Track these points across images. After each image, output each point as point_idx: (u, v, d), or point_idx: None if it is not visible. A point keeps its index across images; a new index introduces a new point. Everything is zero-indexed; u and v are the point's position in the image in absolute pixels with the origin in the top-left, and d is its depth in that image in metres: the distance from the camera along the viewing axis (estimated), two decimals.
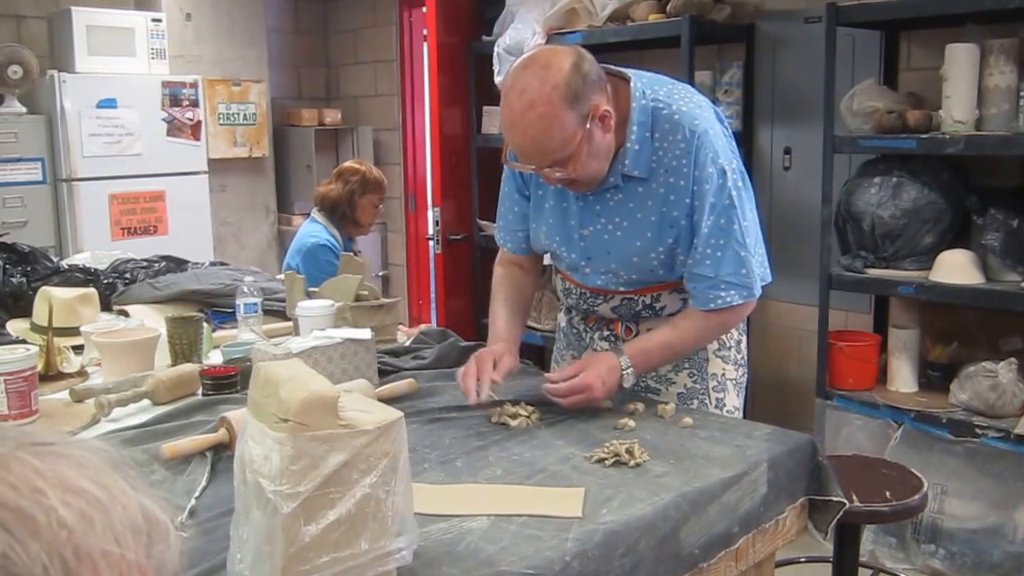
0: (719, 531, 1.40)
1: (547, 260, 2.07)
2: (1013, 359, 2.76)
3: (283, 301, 2.48)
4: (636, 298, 1.86)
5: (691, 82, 3.18)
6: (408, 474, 1.07)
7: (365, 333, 1.91)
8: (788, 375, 3.64)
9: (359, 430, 1.02)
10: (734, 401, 1.93)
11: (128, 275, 2.65)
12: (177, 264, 2.79)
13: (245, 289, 2.23)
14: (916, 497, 2.06)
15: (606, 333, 1.94)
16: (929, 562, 2.92)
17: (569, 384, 1.70)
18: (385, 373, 1.98)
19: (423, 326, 2.43)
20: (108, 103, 4.46)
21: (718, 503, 1.40)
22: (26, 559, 0.48)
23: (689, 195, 1.72)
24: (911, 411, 2.89)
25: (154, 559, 0.54)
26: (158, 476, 1.42)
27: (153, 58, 4.63)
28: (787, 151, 3.56)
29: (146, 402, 1.81)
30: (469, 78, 4.32)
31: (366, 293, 2.31)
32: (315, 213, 3.60)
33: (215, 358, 2.09)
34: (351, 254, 2.88)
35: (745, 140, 3.57)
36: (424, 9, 4.35)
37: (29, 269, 2.54)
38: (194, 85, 4.76)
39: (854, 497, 1.99)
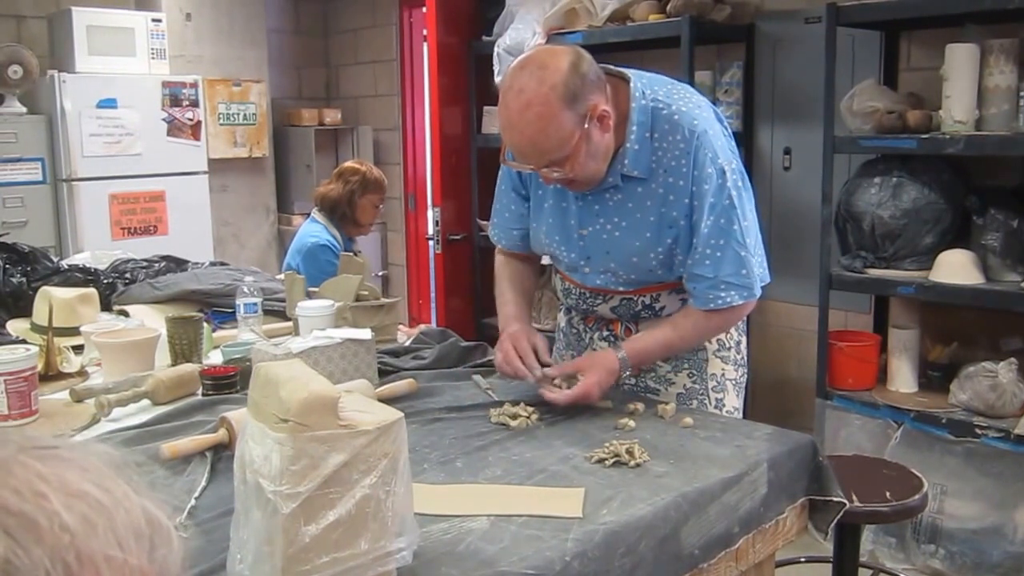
0: (719, 531, 1.40)
1: (546, 260, 2.07)
2: (1013, 359, 2.76)
3: (283, 301, 2.48)
4: (635, 298, 1.86)
5: (691, 82, 3.19)
6: (408, 474, 1.07)
7: (365, 333, 1.91)
8: (788, 375, 3.64)
9: (359, 430, 1.02)
10: (734, 401, 1.93)
11: (128, 275, 2.65)
12: (177, 264, 2.79)
13: (245, 289, 2.23)
14: (916, 497, 2.06)
15: (605, 333, 1.94)
16: (929, 562, 2.92)
17: (567, 395, 1.72)
18: (385, 373, 1.98)
19: (423, 326, 2.43)
20: (108, 103, 4.46)
21: (718, 503, 1.40)
22: (28, 564, 0.48)
23: (688, 195, 1.72)
24: (911, 411, 2.88)
25: (156, 563, 0.54)
26: (158, 476, 1.42)
27: (153, 58, 4.63)
28: (787, 151, 3.56)
29: (146, 402, 1.81)
30: (469, 78, 4.32)
31: (366, 293, 2.31)
32: (315, 213, 3.60)
33: (215, 358, 2.09)
34: (351, 254, 2.88)
35: (745, 140, 3.57)
36: (424, 9, 4.35)
37: (29, 269, 2.54)
38: (194, 85, 4.76)
39: (854, 497, 1.99)
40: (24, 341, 2.06)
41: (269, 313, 2.40)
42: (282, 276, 2.82)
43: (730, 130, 1.83)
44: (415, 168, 5.49)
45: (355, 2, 5.55)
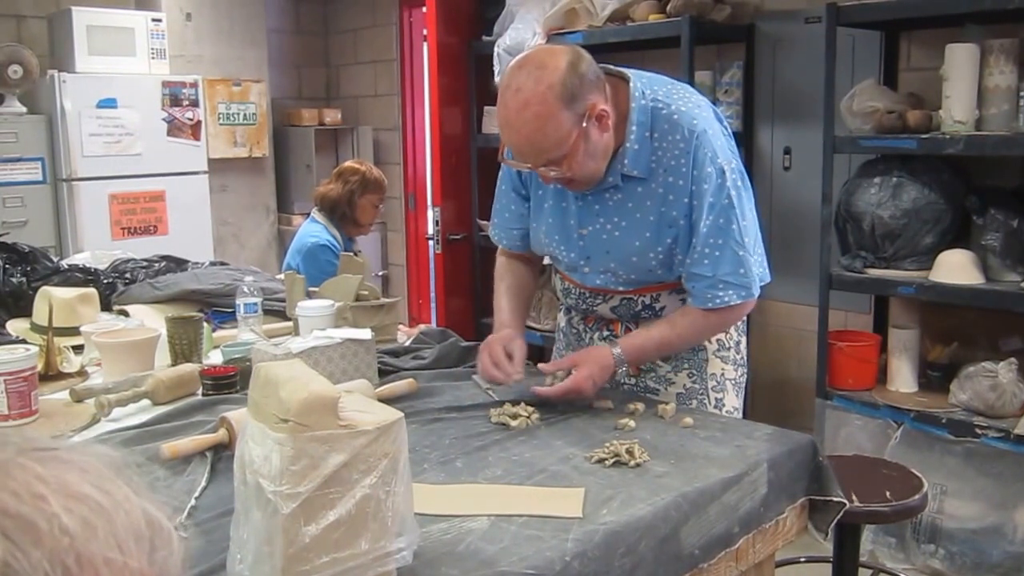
0: (719, 531, 1.40)
1: (546, 260, 2.07)
2: (1013, 359, 2.76)
3: (283, 301, 2.48)
4: (635, 298, 1.86)
5: (691, 82, 3.18)
6: (408, 474, 1.07)
7: (365, 333, 1.91)
8: (788, 375, 3.64)
9: (359, 430, 1.02)
10: (733, 401, 1.93)
11: (128, 275, 2.65)
12: (177, 264, 2.79)
13: (245, 289, 2.23)
14: (916, 497, 2.06)
15: (605, 333, 1.94)
16: (929, 562, 2.92)
17: (559, 388, 1.72)
18: (385, 373, 1.98)
19: (423, 326, 2.43)
20: (108, 103, 4.46)
21: (718, 503, 1.40)
22: (28, 567, 0.48)
23: (688, 195, 1.72)
24: (911, 411, 2.88)
25: (157, 565, 0.54)
26: (158, 476, 1.42)
27: (153, 58, 4.63)
28: (787, 151, 3.56)
29: (146, 402, 1.81)
30: (469, 78, 4.32)
31: (366, 293, 2.31)
32: (315, 213, 3.60)
33: (215, 358, 2.09)
34: (351, 254, 2.88)
35: (745, 140, 3.57)
36: (424, 9, 4.35)
37: (29, 269, 2.54)
38: (194, 85, 4.76)
39: (854, 497, 1.99)
40: (24, 341, 2.06)
41: (269, 313, 2.40)
42: (282, 276, 2.82)
43: (730, 130, 1.83)
44: (415, 168, 5.49)
45: (355, 2, 5.55)
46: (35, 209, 4.37)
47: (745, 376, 1.98)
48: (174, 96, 4.68)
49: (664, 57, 3.66)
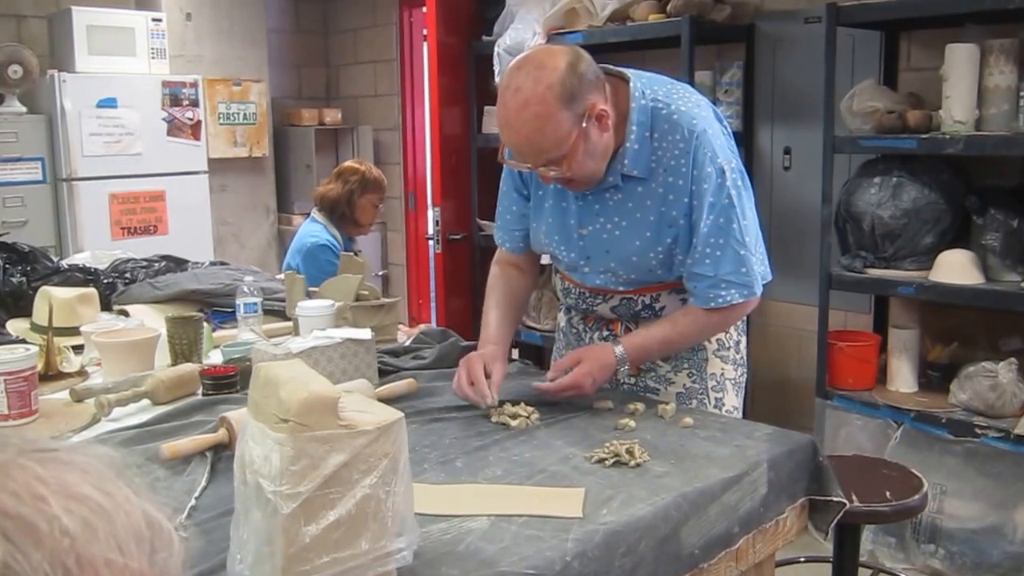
0: (719, 531, 1.40)
1: (546, 260, 2.07)
2: (1013, 359, 2.76)
3: (283, 301, 2.48)
4: (635, 298, 1.86)
5: (691, 82, 3.18)
6: (408, 474, 1.07)
7: (365, 333, 1.91)
8: (788, 375, 3.64)
9: (359, 430, 1.02)
10: (733, 401, 1.93)
11: (128, 275, 2.65)
12: (177, 264, 2.79)
13: (245, 289, 2.23)
14: (916, 497, 2.06)
15: (605, 333, 1.94)
16: (929, 562, 2.92)
17: (558, 384, 1.73)
18: (385, 373, 1.98)
19: (423, 326, 2.43)
20: (108, 103, 4.46)
21: (718, 503, 1.40)
22: (28, 568, 0.48)
23: (688, 195, 1.72)
24: (911, 411, 2.88)
25: (157, 567, 0.54)
26: (158, 476, 1.42)
27: (153, 58, 4.63)
28: (787, 151, 3.56)
29: (146, 402, 1.81)
30: (469, 78, 4.32)
31: (366, 293, 2.31)
32: (315, 213, 3.60)
33: (215, 358, 2.09)
34: (351, 254, 2.88)
35: (745, 140, 3.57)
36: (424, 9, 4.35)
37: (29, 269, 2.54)
38: (194, 85, 4.76)
39: (854, 497, 1.98)
40: (24, 341, 2.06)
41: (269, 313, 2.40)
42: (282, 276, 2.82)
43: (730, 130, 1.83)
44: (415, 168, 5.49)
45: (355, 2, 5.55)
46: (35, 209, 4.37)
47: (745, 376, 1.98)
48: (174, 96, 4.68)
49: (664, 57, 3.66)
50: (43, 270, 2.55)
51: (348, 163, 3.71)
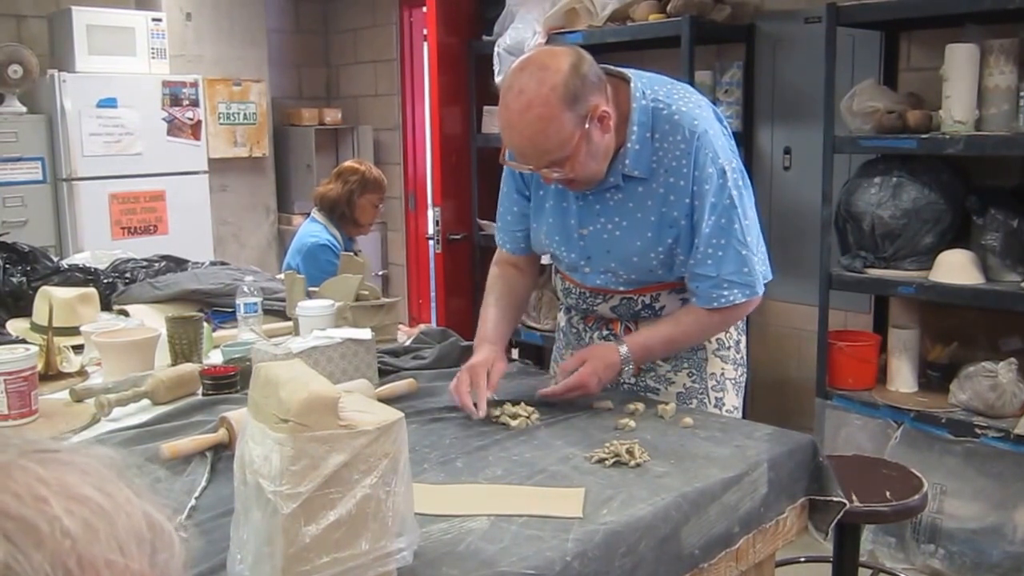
0: (719, 531, 1.40)
1: (546, 260, 2.07)
2: (1013, 359, 2.76)
3: (283, 301, 2.48)
4: (635, 298, 1.87)
5: (691, 82, 3.18)
6: (408, 474, 1.07)
7: (365, 333, 1.91)
8: (788, 375, 3.64)
9: (359, 430, 1.02)
10: (733, 401, 1.94)
11: (128, 275, 2.65)
12: (177, 264, 2.79)
13: (245, 289, 2.23)
14: (916, 497, 2.06)
15: (605, 333, 1.94)
16: (929, 562, 2.92)
17: (564, 385, 1.73)
18: (385, 373, 1.98)
19: (423, 326, 2.43)
20: (108, 103, 4.46)
21: (718, 503, 1.40)
22: (29, 569, 0.48)
23: (689, 195, 1.72)
24: (911, 411, 2.89)
25: (158, 568, 0.54)
26: (158, 476, 1.42)
27: (153, 58, 4.63)
28: (787, 151, 3.56)
29: (146, 402, 1.81)
30: (469, 78, 4.32)
31: (366, 293, 2.31)
32: (315, 213, 3.60)
33: (215, 358, 2.09)
34: (351, 254, 2.88)
35: (745, 140, 3.57)
36: (424, 9, 4.35)
37: (29, 269, 2.54)
38: (194, 85, 4.76)
39: (854, 497, 1.98)
40: (24, 341, 2.06)
41: (269, 313, 2.40)
42: (282, 276, 2.82)
43: (730, 130, 1.83)
44: (415, 168, 5.49)
45: (355, 2, 5.55)
46: (35, 209, 4.37)
47: (745, 376, 1.99)
48: (174, 96, 4.68)
49: (664, 57, 3.66)
50: (43, 270, 2.55)
51: (348, 163, 3.71)
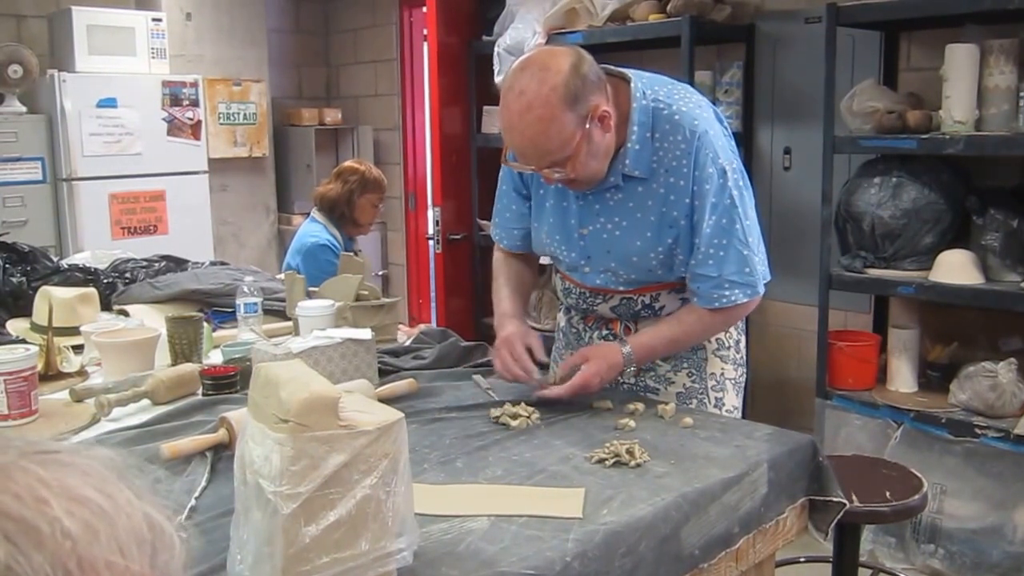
0: (719, 531, 1.40)
1: (546, 260, 2.07)
2: (1013, 359, 2.76)
3: (283, 301, 2.48)
4: (635, 298, 1.87)
5: (691, 82, 3.18)
6: (408, 475, 1.07)
7: (365, 333, 1.91)
8: (788, 375, 3.64)
9: (359, 431, 1.02)
10: (733, 401, 1.94)
11: (128, 275, 2.65)
12: (177, 264, 2.79)
13: (245, 289, 2.23)
14: (916, 497, 2.06)
15: (605, 332, 1.95)
16: (928, 562, 2.92)
17: (566, 387, 1.73)
18: (385, 373, 1.98)
19: (423, 326, 2.43)
20: (108, 103, 4.46)
21: (718, 503, 1.40)
22: (29, 570, 0.48)
23: (689, 195, 1.72)
24: (911, 411, 2.89)
25: (159, 569, 0.54)
26: (158, 476, 1.42)
27: (153, 58, 4.63)
28: (787, 151, 3.56)
29: (146, 402, 1.81)
30: (469, 78, 4.32)
31: (366, 293, 2.31)
32: (315, 213, 3.60)
33: (215, 358, 2.09)
34: (351, 254, 2.88)
35: (745, 140, 3.57)
36: (424, 9, 4.35)
37: (29, 269, 2.54)
38: (194, 85, 4.76)
39: (854, 497, 1.99)
40: (24, 341, 2.06)
41: (269, 313, 2.40)
42: (282, 276, 2.82)
43: (730, 130, 1.83)
44: (415, 168, 5.49)
45: (355, 2, 5.55)
46: (35, 209, 4.36)
47: (745, 376, 1.99)
48: (174, 96, 4.68)
49: (664, 57, 3.66)
50: (43, 270, 2.55)
51: (348, 163, 3.71)
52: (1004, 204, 2.76)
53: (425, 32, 4.73)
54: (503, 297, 1.96)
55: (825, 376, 3.11)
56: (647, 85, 1.75)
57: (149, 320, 2.28)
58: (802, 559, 2.78)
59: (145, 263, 2.75)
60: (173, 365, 1.99)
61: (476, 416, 1.72)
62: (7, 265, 2.51)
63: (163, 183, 4.67)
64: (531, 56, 1.66)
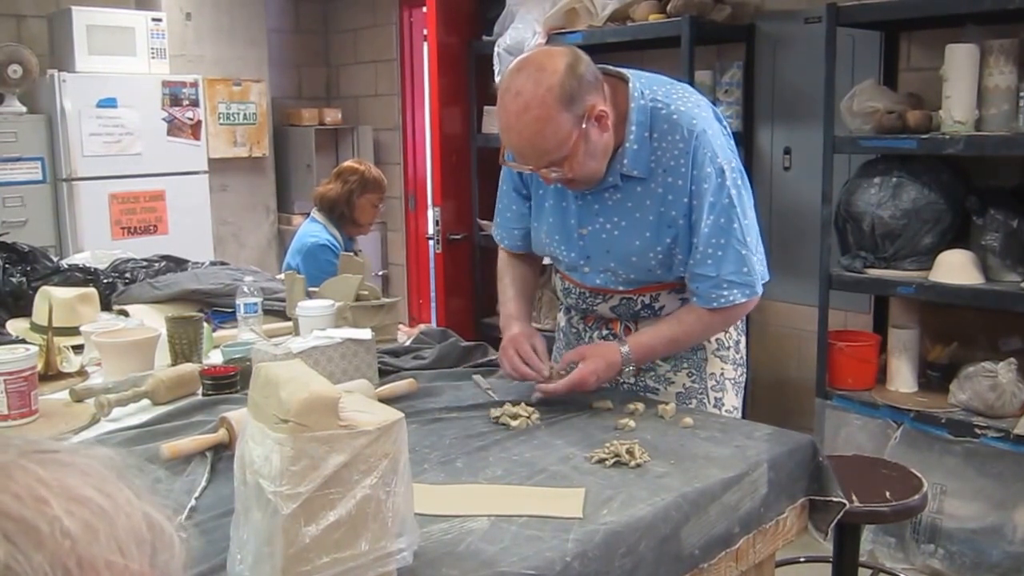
0: (719, 531, 1.40)
1: (547, 260, 2.07)
2: (1012, 359, 2.76)
3: (283, 301, 2.48)
4: (635, 298, 1.87)
5: (691, 82, 3.18)
6: (408, 475, 1.07)
7: (365, 333, 1.91)
8: (788, 375, 3.64)
9: (359, 431, 1.02)
10: (733, 401, 1.94)
11: (128, 275, 2.65)
12: (177, 264, 2.79)
13: (245, 289, 2.23)
14: (916, 497, 2.06)
15: (605, 332, 1.95)
16: (928, 562, 2.92)
17: (563, 384, 1.73)
18: (385, 373, 1.98)
19: (423, 326, 2.43)
20: (108, 103, 4.46)
21: (718, 503, 1.40)
22: (29, 570, 0.48)
23: (687, 195, 1.72)
24: (911, 411, 2.89)
25: (158, 569, 0.54)
26: (158, 476, 1.42)
27: (153, 58, 4.63)
28: (787, 151, 3.56)
29: (146, 402, 1.81)
30: (469, 78, 4.32)
31: (366, 293, 2.31)
32: (315, 213, 3.60)
33: (215, 358, 2.09)
34: (351, 254, 2.88)
35: (745, 140, 3.57)
36: (424, 9, 4.35)
37: (29, 268, 2.54)
38: (194, 85, 4.76)
39: (854, 497, 1.99)
40: (24, 341, 2.06)
41: (269, 313, 2.40)
42: (282, 276, 2.82)
43: (729, 130, 1.83)
44: (415, 168, 5.49)
45: (355, 2, 5.55)
46: (35, 209, 4.37)
47: (744, 376, 1.99)
48: (174, 96, 4.68)
49: (664, 57, 3.66)
50: (43, 270, 2.55)
51: (348, 163, 3.71)
52: (1004, 204, 2.76)
53: (425, 32, 4.73)
54: (508, 299, 1.97)
55: (825, 376, 3.11)
56: (645, 85, 1.75)
57: (149, 320, 2.28)
58: (802, 559, 2.78)
59: (145, 263, 2.75)
60: (173, 365, 1.99)
61: (476, 416, 1.72)
62: (7, 265, 2.51)
63: (163, 183, 4.67)
64: (528, 56, 1.66)
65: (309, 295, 2.41)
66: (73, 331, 2.19)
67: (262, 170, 5.36)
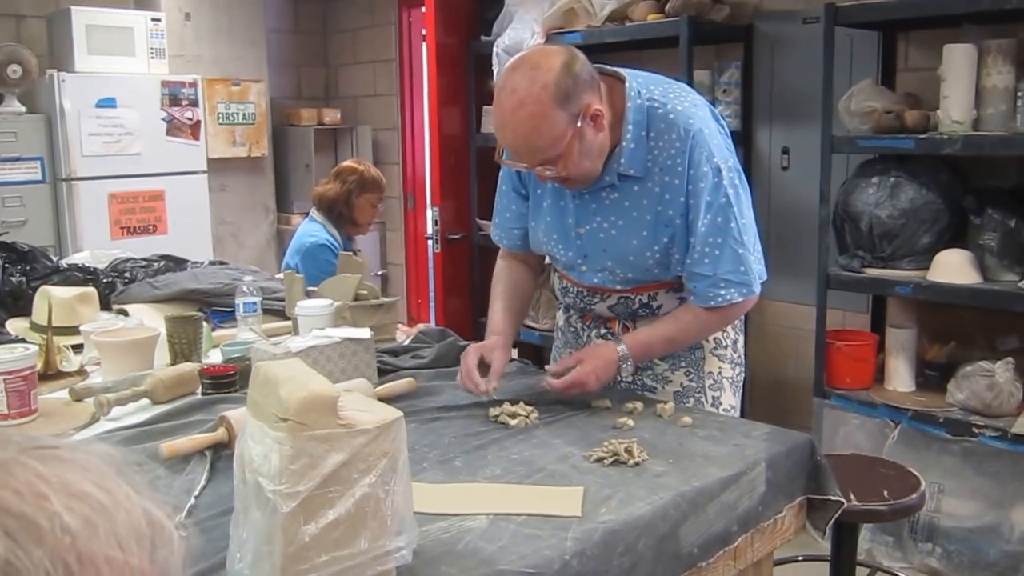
0: (718, 530, 1.40)
1: (546, 259, 2.08)
2: (1010, 359, 2.76)
3: (282, 300, 2.48)
4: (633, 297, 1.87)
5: (689, 82, 3.19)
6: (407, 473, 1.08)
7: (364, 332, 1.92)
8: (786, 374, 3.65)
9: (358, 429, 1.03)
10: (731, 400, 1.94)
11: (127, 274, 2.66)
12: (176, 263, 2.79)
13: (244, 288, 2.24)
14: (913, 496, 2.07)
15: (603, 331, 1.95)
16: (926, 561, 2.92)
17: (564, 381, 1.74)
18: (384, 372, 1.98)
19: (422, 325, 2.43)
20: (108, 103, 4.46)
21: (717, 502, 1.40)
22: (29, 565, 0.48)
23: (684, 194, 1.73)
24: (908, 410, 2.89)
25: (158, 564, 0.54)
26: (158, 475, 1.42)
27: (152, 58, 4.63)
28: (785, 151, 3.56)
29: (145, 401, 1.81)
30: (468, 78, 4.32)
31: (365, 292, 2.31)
32: (314, 212, 3.60)
33: (214, 357, 2.10)
34: (350, 253, 2.89)
35: (743, 140, 3.57)
36: (423, 9, 4.35)
37: (28, 268, 2.54)
38: (193, 85, 4.76)
39: (852, 496, 1.99)
40: (23, 340, 2.06)
41: (268, 312, 2.40)
42: (281, 275, 2.83)
43: (727, 129, 1.84)
44: (414, 168, 5.49)
45: (354, 2, 5.55)
46: (34, 208, 4.37)
47: (743, 375, 1.99)
48: (173, 96, 4.68)
49: (662, 57, 3.66)
50: (42, 269, 2.55)
51: (347, 163, 3.71)
52: (1002, 204, 2.76)
53: (424, 32, 4.73)
54: (495, 310, 1.96)
55: (823, 375, 3.11)
56: (642, 84, 1.75)
57: (148, 320, 2.28)
58: (800, 558, 2.78)
59: (144, 263, 2.75)
60: (172, 364, 2.00)
61: (475, 415, 1.72)
62: (7, 265, 2.52)
63: (162, 183, 4.68)
64: (524, 55, 1.67)
65: (308, 295, 2.41)
66: (72, 330, 2.19)
67: (261, 170, 5.37)
